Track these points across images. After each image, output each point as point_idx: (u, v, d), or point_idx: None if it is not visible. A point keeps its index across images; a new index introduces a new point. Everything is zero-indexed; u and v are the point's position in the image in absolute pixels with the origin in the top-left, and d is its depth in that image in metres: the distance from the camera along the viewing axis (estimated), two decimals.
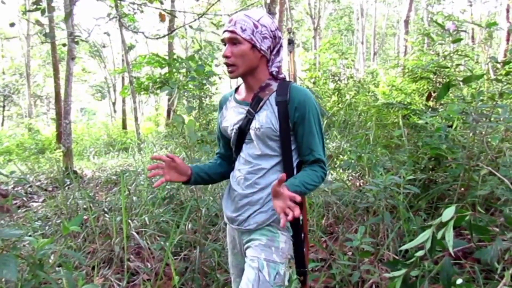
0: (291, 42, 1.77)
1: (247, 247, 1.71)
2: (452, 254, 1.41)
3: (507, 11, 8.27)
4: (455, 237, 2.77)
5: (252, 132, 1.65)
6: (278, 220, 1.66)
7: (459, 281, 1.72)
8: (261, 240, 1.65)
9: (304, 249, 1.75)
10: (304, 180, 1.60)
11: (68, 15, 5.80)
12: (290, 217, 1.39)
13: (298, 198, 1.41)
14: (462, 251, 2.61)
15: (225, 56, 1.62)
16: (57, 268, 2.57)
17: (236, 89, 1.83)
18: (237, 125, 1.69)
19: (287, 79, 1.76)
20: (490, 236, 1.82)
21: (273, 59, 1.71)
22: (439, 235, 1.41)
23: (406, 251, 2.59)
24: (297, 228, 1.71)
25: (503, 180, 2.43)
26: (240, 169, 1.73)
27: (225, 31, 1.62)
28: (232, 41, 1.60)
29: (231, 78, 1.67)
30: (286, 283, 1.64)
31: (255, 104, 1.65)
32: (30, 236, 2.77)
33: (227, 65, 1.63)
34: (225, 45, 1.63)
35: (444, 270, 1.55)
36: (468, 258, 2.52)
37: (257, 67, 1.66)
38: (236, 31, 1.58)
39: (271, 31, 1.64)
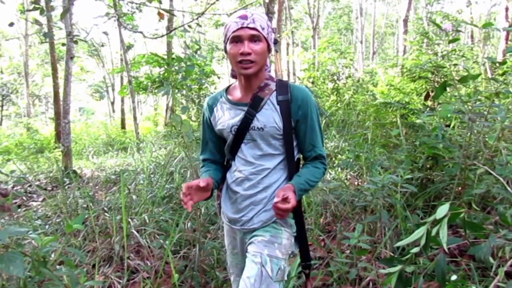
0: (276, 42, 1.78)
1: (249, 243, 1.72)
2: (446, 250, 1.44)
3: (506, 10, 8.30)
4: (451, 235, 2.80)
5: (253, 132, 1.66)
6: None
7: (454, 277, 1.75)
8: (264, 236, 1.67)
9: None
10: (308, 177, 1.65)
11: (65, 13, 5.80)
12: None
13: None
14: (458, 248, 2.64)
15: (246, 53, 1.57)
16: (57, 266, 2.60)
17: (226, 90, 1.81)
18: (236, 126, 1.68)
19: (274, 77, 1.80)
20: (485, 233, 1.85)
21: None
22: (433, 232, 1.44)
23: (403, 249, 2.62)
24: (301, 224, 1.74)
25: (498, 179, 2.46)
26: (240, 170, 1.72)
27: (243, 27, 1.57)
28: (254, 38, 1.58)
29: (246, 74, 1.62)
30: (286, 278, 1.67)
31: (255, 104, 1.65)
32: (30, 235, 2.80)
33: (244, 61, 1.58)
34: (237, 42, 1.59)
35: (439, 266, 1.58)
36: (464, 255, 2.55)
37: (263, 67, 1.68)
38: (257, 28, 1.57)
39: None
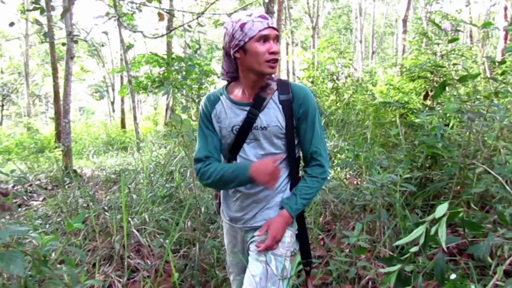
0: None
1: (252, 242, 1.74)
2: (445, 249, 1.45)
3: (505, 10, 8.30)
4: (450, 234, 2.81)
5: (256, 131, 1.67)
6: None
7: (453, 276, 1.76)
8: (268, 235, 1.69)
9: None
10: (303, 192, 1.68)
11: (65, 12, 5.81)
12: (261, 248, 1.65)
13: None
14: (457, 248, 2.65)
15: (277, 52, 1.61)
16: (58, 265, 2.60)
17: (226, 89, 1.79)
18: (237, 126, 1.69)
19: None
20: (484, 232, 1.86)
21: None
22: (432, 231, 1.45)
23: (402, 248, 2.63)
24: (301, 223, 1.77)
25: (497, 178, 2.47)
26: None
27: (270, 27, 1.59)
28: (277, 38, 1.61)
29: (271, 73, 1.65)
30: (288, 276, 1.69)
31: (258, 104, 1.67)
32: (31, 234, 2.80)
33: (273, 60, 1.61)
34: (264, 41, 1.60)
35: (438, 265, 1.59)
36: (463, 254, 2.56)
37: None
38: (278, 29, 1.62)
39: None
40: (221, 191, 1.87)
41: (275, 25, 1.61)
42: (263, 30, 1.58)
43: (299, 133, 1.71)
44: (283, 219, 1.67)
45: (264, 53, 1.59)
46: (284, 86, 1.70)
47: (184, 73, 3.09)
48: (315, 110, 1.70)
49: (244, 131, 1.68)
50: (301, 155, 1.79)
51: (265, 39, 1.59)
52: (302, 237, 1.78)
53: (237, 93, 1.74)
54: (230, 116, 1.71)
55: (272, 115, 1.66)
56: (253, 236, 1.73)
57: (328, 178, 4.26)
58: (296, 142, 1.72)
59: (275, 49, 1.59)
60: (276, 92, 1.69)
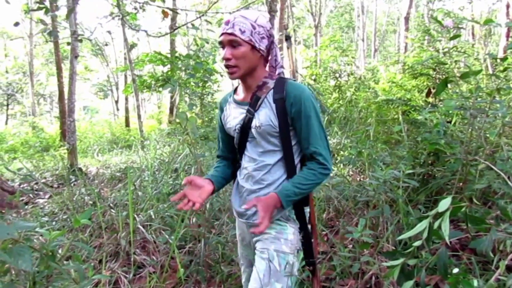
0: (288, 38, 1.79)
1: (257, 240, 1.76)
2: (449, 244, 1.47)
3: (507, 7, 8.30)
4: (453, 229, 2.83)
5: (253, 130, 1.69)
6: (285, 215, 1.74)
7: (456, 270, 1.78)
8: (270, 233, 1.71)
9: (312, 240, 1.79)
10: (298, 181, 1.64)
11: (70, 12, 5.86)
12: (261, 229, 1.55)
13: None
14: (460, 243, 2.67)
15: (226, 59, 1.62)
16: (65, 261, 2.64)
17: (235, 90, 1.86)
18: (239, 125, 1.73)
19: (288, 75, 1.81)
20: (486, 228, 1.88)
21: (273, 58, 1.74)
22: (435, 226, 1.47)
23: (405, 243, 2.65)
24: (303, 221, 1.75)
25: (500, 174, 2.50)
26: (246, 166, 1.77)
27: (223, 33, 1.62)
28: (232, 43, 1.61)
29: (232, 79, 1.70)
30: (295, 272, 1.71)
31: (254, 103, 1.69)
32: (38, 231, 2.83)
33: (228, 67, 1.64)
34: (223, 47, 1.64)
35: (441, 260, 1.61)
36: (465, 249, 2.58)
37: (256, 67, 1.69)
38: (235, 33, 1.59)
39: (267, 30, 1.68)
40: (233, 188, 1.91)
41: (236, 29, 1.60)
42: (220, 36, 1.64)
43: (295, 132, 1.69)
44: (271, 199, 1.62)
45: (223, 59, 1.65)
46: (279, 84, 1.68)
47: (189, 71, 3.13)
48: (311, 109, 1.65)
49: (244, 130, 1.72)
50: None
51: (222, 45, 1.65)
52: (304, 237, 1.76)
53: (241, 93, 1.79)
54: (234, 116, 1.77)
55: (265, 114, 1.66)
56: (257, 234, 1.75)
57: (331, 175, 4.31)
58: (294, 141, 1.71)
59: (224, 56, 1.62)
60: (272, 91, 1.69)
